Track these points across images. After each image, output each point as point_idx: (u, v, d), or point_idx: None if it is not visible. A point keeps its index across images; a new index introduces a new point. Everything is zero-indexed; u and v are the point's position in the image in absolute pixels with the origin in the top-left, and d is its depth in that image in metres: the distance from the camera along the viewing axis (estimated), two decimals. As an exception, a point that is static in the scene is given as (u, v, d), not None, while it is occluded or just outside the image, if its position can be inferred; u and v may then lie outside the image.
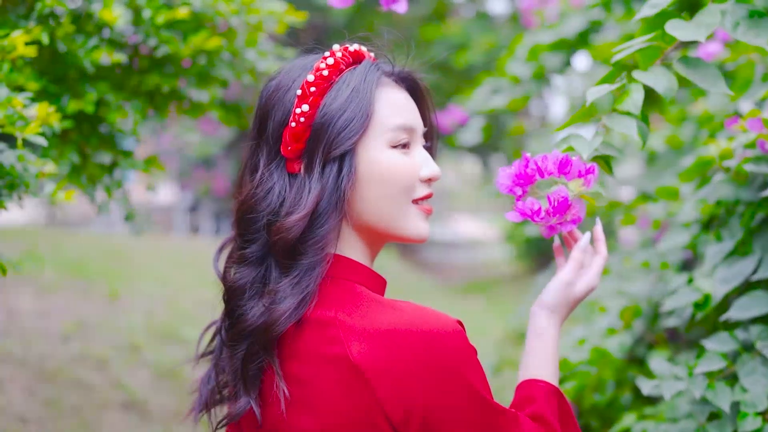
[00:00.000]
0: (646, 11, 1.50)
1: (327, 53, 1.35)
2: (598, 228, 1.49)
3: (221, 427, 1.34)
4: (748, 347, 1.57)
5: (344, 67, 1.34)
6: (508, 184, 1.35)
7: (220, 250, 1.44)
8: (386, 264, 10.48)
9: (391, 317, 1.23)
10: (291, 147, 1.31)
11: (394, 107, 1.36)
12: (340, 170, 1.29)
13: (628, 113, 1.43)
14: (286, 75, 1.36)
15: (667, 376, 1.58)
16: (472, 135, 3.92)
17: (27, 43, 1.82)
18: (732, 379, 1.55)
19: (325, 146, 1.29)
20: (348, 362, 1.21)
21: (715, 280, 1.70)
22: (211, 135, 11.01)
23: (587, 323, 2.66)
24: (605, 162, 1.47)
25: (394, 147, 1.34)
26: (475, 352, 1.26)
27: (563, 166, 1.33)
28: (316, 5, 11.29)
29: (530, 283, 7.60)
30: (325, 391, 1.23)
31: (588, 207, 1.38)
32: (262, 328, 1.26)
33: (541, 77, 3.63)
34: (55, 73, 2.07)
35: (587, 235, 1.46)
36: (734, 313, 1.60)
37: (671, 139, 2.98)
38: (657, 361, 1.64)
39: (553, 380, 1.41)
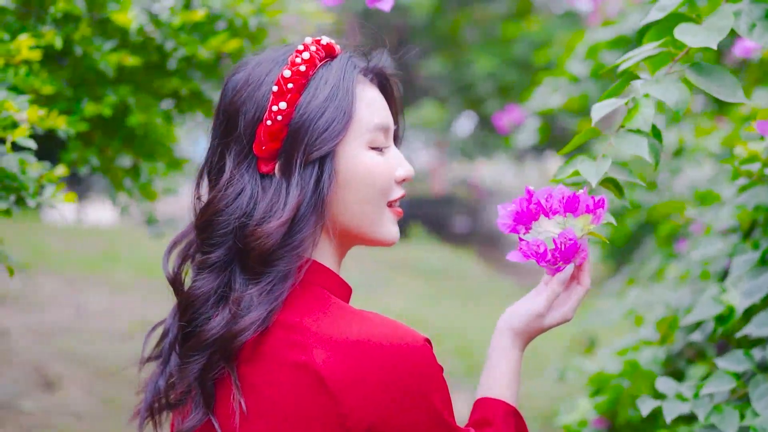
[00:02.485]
0: (654, 15, 1.38)
1: (300, 46, 1.28)
2: (589, 259, 1.38)
3: None
4: (763, 368, 1.44)
5: (319, 62, 1.28)
6: (510, 223, 1.26)
7: (171, 249, 1.36)
8: (464, 264, 10.41)
9: (360, 328, 1.18)
10: (266, 146, 1.25)
11: (371, 107, 1.30)
12: (320, 173, 1.24)
13: (638, 131, 1.31)
14: (257, 68, 1.28)
15: (670, 396, 1.47)
16: (528, 136, 3.81)
17: (39, 47, 1.84)
18: (744, 402, 1.42)
19: (304, 148, 1.23)
20: (312, 370, 1.16)
21: (739, 292, 1.58)
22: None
23: (629, 333, 2.53)
24: (615, 186, 1.35)
25: (372, 148, 1.29)
26: (441, 370, 1.21)
27: (570, 205, 1.23)
28: (397, 5, 11.32)
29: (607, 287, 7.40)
30: (284, 397, 1.18)
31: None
32: (225, 337, 1.21)
33: (599, 76, 3.51)
34: (74, 77, 2.08)
35: (569, 267, 1.33)
36: (753, 330, 1.47)
37: (728, 140, 2.81)
38: (663, 379, 1.52)
39: (513, 400, 1.34)
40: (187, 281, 1.30)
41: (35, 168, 1.69)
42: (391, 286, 7.84)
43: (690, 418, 2.07)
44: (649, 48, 1.38)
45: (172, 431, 1.33)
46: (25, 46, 1.71)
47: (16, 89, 1.87)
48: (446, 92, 11.24)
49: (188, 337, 1.26)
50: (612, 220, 1.25)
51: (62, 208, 1.75)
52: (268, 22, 2.20)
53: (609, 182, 1.33)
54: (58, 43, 1.90)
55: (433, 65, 11.17)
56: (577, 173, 1.31)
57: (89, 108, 2.05)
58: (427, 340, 1.21)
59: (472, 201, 15.31)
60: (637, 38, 3.48)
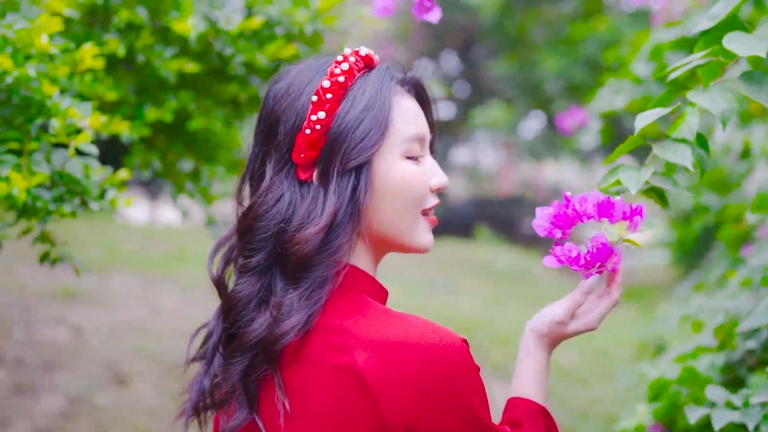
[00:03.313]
0: (705, 24, 1.36)
1: (340, 57, 1.31)
2: (621, 269, 1.38)
3: None
4: (817, 376, 1.41)
5: (357, 72, 1.30)
6: (546, 226, 1.27)
7: (215, 252, 1.39)
8: (532, 266, 10.32)
9: (399, 329, 1.20)
10: (304, 154, 1.28)
11: (407, 117, 1.32)
12: (357, 182, 1.26)
13: (684, 140, 1.30)
14: (297, 78, 1.31)
15: (720, 404, 1.45)
16: (590, 137, 3.77)
17: (103, 55, 1.91)
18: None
19: (342, 157, 1.26)
20: (353, 371, 1.19)
21: (795, 299, 1.54)
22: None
23: (691, 339, 2.49)
24: (658, 195, 1.34)
25: (408, 158, 1.31)
26: (478, 370, 1.23)
27: (604, 209, 1.23)
28: (464, 5, 11.27)
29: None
30: (326, 398, 1.21)
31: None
32: (267, 341, 1.24)
33: (662, 78, 3.44)
34: (137, 83, 2.15)
35: (594, 278, 1.33)
36: (807, 338, 1.44)
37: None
38: (713, 387, 1.50)
39: (540, 399, 1.36)
40: (231, 284, 1.34)
41: (98, 172, 1.75)
42: (457, 288, 7.83)
43: (742, 427, 2.04)
44: (697, 57, 1.36)
45: (216, 431, 1.37)
46: (88, 54, 1.78)
47: (81, 96, 1.95)
48: (513, 92, 11.18)
49: (231, 339, 1.29)
50: (653, 228, 1.25)
51: (134, 210, 1.82)
52: (324, 28, 2.23)
53: (653, 191, 1.32)
54: (121, 51, 1.97)
55: (500, 66, 11.11)
56: (618, 182, 1.30)
57: (151, 113, 2.12)
58: (464, 341, 1.22)
59: (541, 202, 15.17)
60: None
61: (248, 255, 1.29)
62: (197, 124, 2.20)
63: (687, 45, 3.35)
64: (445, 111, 14.98)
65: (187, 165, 2.26)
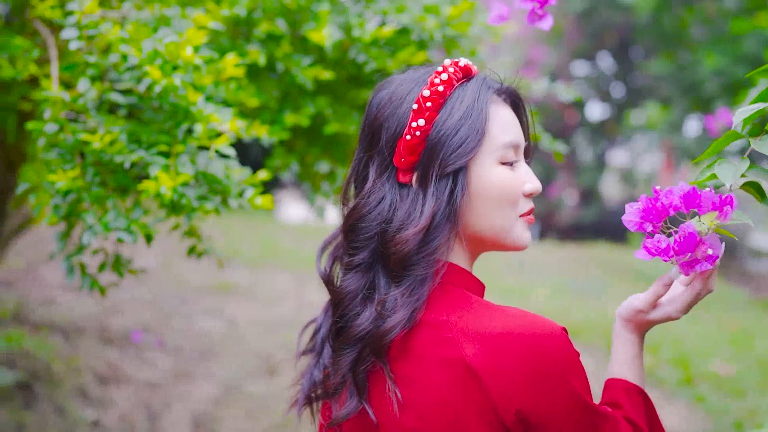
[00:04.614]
0: None
1: (439, 68, 1.39)
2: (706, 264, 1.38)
3: (331, 426, 1.39)
4: None
5: (456, 82, 1.38)
6: (636, 221, 1.29)
7: (323, 249, 1.50)
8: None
9: (502, 321, 1.27)
10: (405, 159, 1.36)
11: (503, 125, 1.38)
12: (454, 186, 1.34)
13: None
14: (399, 87, 1.40)
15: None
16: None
17: (244, 65, 2.07)
18: None
19: (440, 162, 1.33)
20: (463, 363, 1.26)
21: None
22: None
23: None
24: (756, 190, 1.33)
25: (503, 164, 1.37)
26: (578, 355, 1.29)
27: (690, 200, 1.25)
28: (619, 4, 11.02)
29: None
30: (436, 390, 1.28)
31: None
32: (375, 336, 1.32)
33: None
34: (280, 90, 2.30)
35: (674, 270, 1.34)
36: None
37: None
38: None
39: (635, 380, 1.42)
40: (338, 281, 1.43)
41: (237, 173, 1.90)
42: (606, 292, 7.66)
43: None
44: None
45: (322, 422, 1.46)
46: (230, 64, 1.93)
47: (226, 103, 2.11)
48: (670, 92, 10.81)
49: (340, 332, 1.38)
50: (745, 218, 1.24)
51: (292, 210, 1.96)
52: (454, 34, 2.30)
53: (750, 186, 1.32)
54: (262, 60, 2.12)
55: (658, 65, 10.78)
56: (714, 176, 1.31)
57: (289, 118, 2.26)
58: (564, 329, 1.29)
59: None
60: None
61: (353, 253, 1.38)
62: (333, 128, 2.32)
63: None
64: (598, 112, 14.66)
65: (323, 167, 2.39)
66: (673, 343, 6.25)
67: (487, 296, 1.42)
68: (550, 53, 12.99)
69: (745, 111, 1.30)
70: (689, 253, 1.25)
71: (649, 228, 1.28)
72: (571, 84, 13.50)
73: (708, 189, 1.26)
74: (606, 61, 14.12)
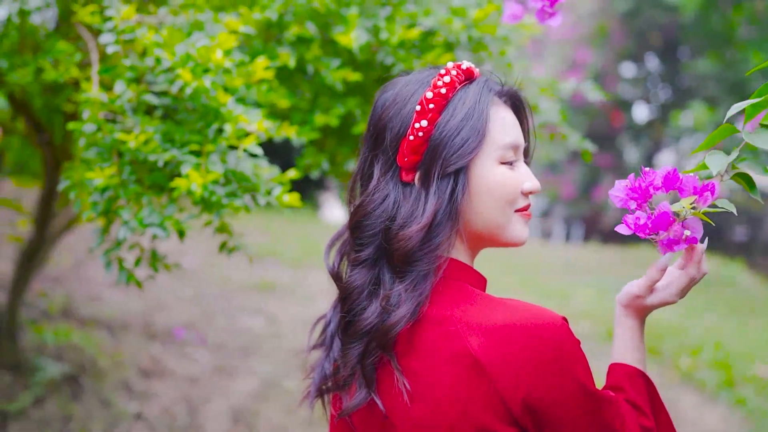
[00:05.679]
0: None
1: (443, 70, 1.44)
2: (699, 248, 1.41)
3: (341, 416, 1.44)
4: None
5: (458, 85, 1.43)
6: (622, 197, 1.34)
7: (330, 246, 1.55)
8: (734, 274, 9.81)
9: (504, 314, 1.32)
10: (408, 158, 1.41)
11: (503, 126, 1.43)
12: (455, 185, 1.39)
13: None
14: (404, 89, 1.45)
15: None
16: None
17: (275, 67, 2.14)
18: None
19: (442, 162, 1.38)
20: (469, 356, 1.30)
21: None
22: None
23: None
24: (745, 181, 1.36)
25: (503, 163, 1.42)
26: (579, 343, 1.33)
27: (670, 182, 1.29)
28: (665, 5, 10.91)
29: None
30: (443, 383, 1.33)
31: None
32: (380, 330, 1.37)
33: None
34: (312, 92, 2.37)
35: (668, 255, 1.39)
36: None
37: None
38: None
39: (636, 364, 1.46)
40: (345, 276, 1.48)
41: (266, 171, 1.97)
42: (649, 294, 7.61)
43: None
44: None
45: (333, 413, 1.52)
46: (260, 67, 2.00)
47: (258, 104, 2.19)
48: (717, 92, 10.67)
49: (348, 326, 1.43)
50: (730, 207, 1.28)
51: (333, 210, 2.02)
52: (481, 35, 2.35)
53: (741, 177, 1.35)
54: (292, 62, 2.19)
55: (704, 64, 10.65)
56: (704, 166, 1.34)
57: (319, 119, 2.33)
58: (564, 318, 1.33)
59: (752, 208, 14.36)
60: None
61: (358, 249, 1.43)
62: (362, 128, 2.38)
63: None
64: (644, 114, 14.51)
65: (353, 166, 2.45)
66: (715, 346, 6.20)
67: (527, 297, 1.47)
68: (595, 55, 12.91)
69: (738, 106, 1.33)
70: (663, 232, 1.29)
71: (633, 206, 1.32)
72: (617, 86, 13.39)
73: (691, 174, 1.30)
74: (652, 62, 13.99)
